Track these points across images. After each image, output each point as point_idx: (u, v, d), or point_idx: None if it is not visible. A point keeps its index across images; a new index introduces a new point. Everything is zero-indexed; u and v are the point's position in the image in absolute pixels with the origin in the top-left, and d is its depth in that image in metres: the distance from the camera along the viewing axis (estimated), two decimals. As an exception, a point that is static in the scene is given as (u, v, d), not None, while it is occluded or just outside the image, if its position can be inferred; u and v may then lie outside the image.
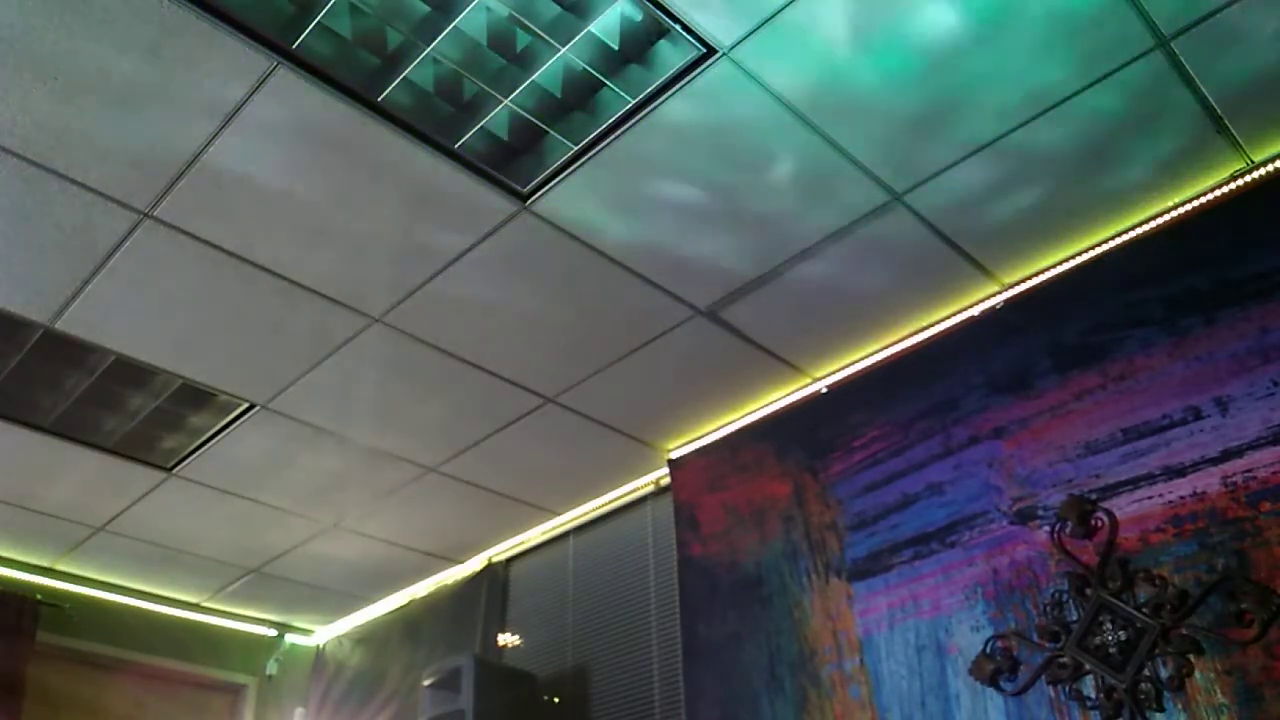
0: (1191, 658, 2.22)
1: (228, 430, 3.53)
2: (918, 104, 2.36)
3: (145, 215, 2.59)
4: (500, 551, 4.51)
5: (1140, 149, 2.51)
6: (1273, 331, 2.35)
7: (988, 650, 2.56)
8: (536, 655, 4.11)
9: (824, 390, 3.34)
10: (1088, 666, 2.36)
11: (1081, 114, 2.39)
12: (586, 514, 4.17)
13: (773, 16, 2.14)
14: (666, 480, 3.79)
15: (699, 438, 3.68)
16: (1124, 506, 2.44)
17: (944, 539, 2.77)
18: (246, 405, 3.41)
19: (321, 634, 5.35)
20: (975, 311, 3.02)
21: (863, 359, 3.25)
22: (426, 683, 3.72)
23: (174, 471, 3.75)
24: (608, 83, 2.31)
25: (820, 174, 2.55)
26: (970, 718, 2.56)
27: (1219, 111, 2.40)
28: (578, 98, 2.36)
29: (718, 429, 3.63)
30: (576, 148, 2.47)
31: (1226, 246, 2.50)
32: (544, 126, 2.42)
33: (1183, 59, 2.26)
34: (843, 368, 3.31)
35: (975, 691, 2.56)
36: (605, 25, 2.18)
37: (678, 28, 2.16)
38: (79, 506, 3.98)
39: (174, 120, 2.32)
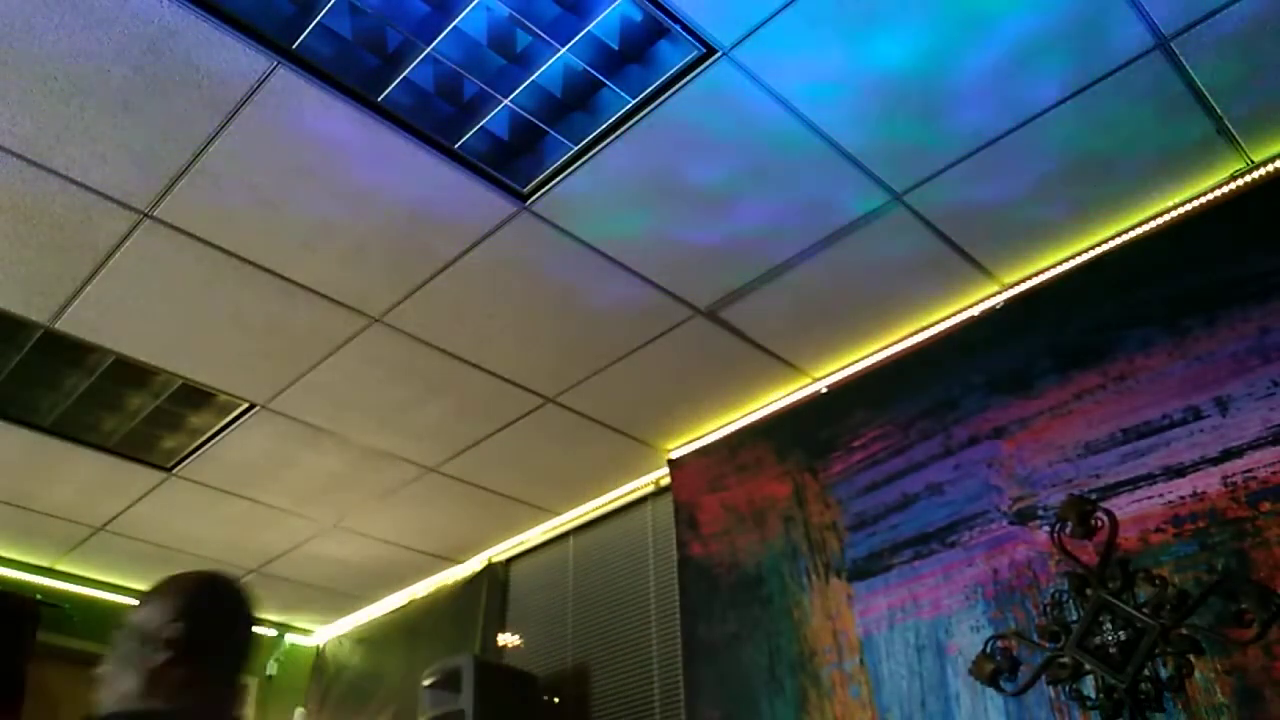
0: (1191, 658, 2.21)
1: (228, 430, 3.53)
2: (918, 104, 2.36)
3: (145, 215, 2.59)
4: (500, 551, 4.51)
5: (1140, 149, 2.51)
6: (1273, 331, 2.35)
7: (988, 650, 2.56)
8: (536, 655, 4.11)
9: (824, 390, 3.34)
10: (1088, 666, 2.36)
11: (1081, 114, 2.39)
12: (586, 514, 4.17)
13: (773, 16, 2.14)
14: (666, 480, 3.78)
15: (699, 438, 3.68)
16: (1124, 506, 2.44)
17: (944, 539, 2.77)
18: (246, 405, 3.41)
19: (321, 634, 5.35)
20: (975, 311, 3.02)
21: (863, 359, 3.25)
22: (426, 683, 3.71)
23: (174, 471, 3.75)
24: (608, 83, 2.31)
25: (820, 174, 2.55)
26: (970, 718, 2.56)
27: (1219, 111, 2.40)
28: (578, 98, 2.35)
29: (718, 429, 3.62)
30: (576, 148, 2.47)
31: (1226, 246, 2.50)
32: (544, 126, 2.42)
33: (1183, 59, 2.26)
34: (843, 368, 3.30)
35: (975, 691, 2.56)
36: (605, 25, 2.18)
37: (678, 28, 2.16)
38: (79, 506, 3.98)
39: (174, 120, 2.32)
